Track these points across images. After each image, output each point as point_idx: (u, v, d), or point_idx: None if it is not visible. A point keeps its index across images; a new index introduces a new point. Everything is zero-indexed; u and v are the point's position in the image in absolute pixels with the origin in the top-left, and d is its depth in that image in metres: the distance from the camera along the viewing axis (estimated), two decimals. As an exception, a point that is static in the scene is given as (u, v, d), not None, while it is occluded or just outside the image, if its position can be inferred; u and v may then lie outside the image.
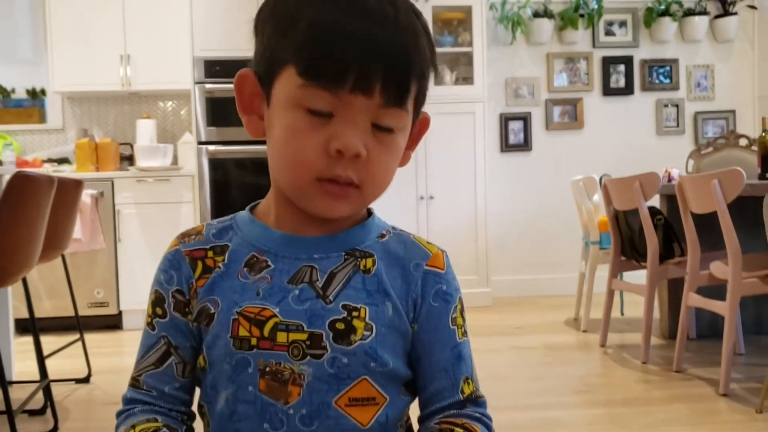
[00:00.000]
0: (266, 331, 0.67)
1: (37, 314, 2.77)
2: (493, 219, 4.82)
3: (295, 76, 0.65)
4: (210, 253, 0.72)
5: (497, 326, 4.11)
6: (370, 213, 0.76)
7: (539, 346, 3.59)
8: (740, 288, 2.63)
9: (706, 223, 3.16)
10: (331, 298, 0.69)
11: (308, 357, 0.67)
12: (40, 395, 2.78)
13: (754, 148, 3.92)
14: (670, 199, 3.47)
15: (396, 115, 0.67)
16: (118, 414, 0.74)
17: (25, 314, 3.49)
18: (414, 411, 0.74)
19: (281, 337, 0.67)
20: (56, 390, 2.85)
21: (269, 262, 0.70)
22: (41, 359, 2.68)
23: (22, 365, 3.33)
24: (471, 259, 4.70)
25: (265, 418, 0.67)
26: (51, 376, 2.72)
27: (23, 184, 2.12)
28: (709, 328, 3.58)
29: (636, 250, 3.40)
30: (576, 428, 2.39)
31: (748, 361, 3.15)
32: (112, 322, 4.40)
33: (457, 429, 0.69)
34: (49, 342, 2.91)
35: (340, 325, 0.67)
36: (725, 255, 2.73)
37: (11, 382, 2.94)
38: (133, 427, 0.70)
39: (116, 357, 3.70)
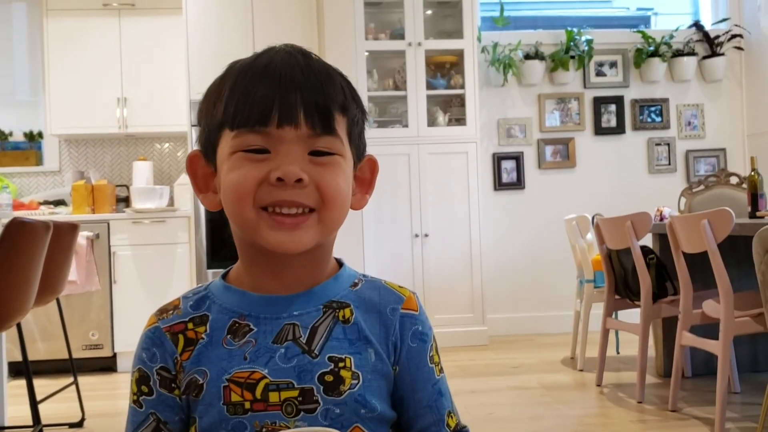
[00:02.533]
0: (258, 393, 0.69)
1: (31, 357, 2.76)
2: (487, 257, 4.84)
3: (229, 134, 0.71)
4: (190, 325, 0.74)
5: (494, 365, 4.09)
6: (341, 264, 0.79)
7: (537, 386, 3.57)
8: (732, 327, 2.64)
9: (699, 262, 3.18)
10: (316, 351, 0.71)
11: (302, 413, 0.69)
12: (32, 441, 2.75)
13: (745, 186, 3.96)
14: (662, 237, 3.50)
15: (329, 141, 0.72)
16: None
17: (18, 357, 3.48)
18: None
19: (273, 396, 0.69)
20: (49, 435, 2.82)
21: (251, 326, 0.72)
22: (34, 404, 2.67)
23: (15, 410, 3.30)
24: (466, 297, 4.70)
25: None
26: (44, 420, 2.70)
27: (19, 230, 2.14)
28: (705, 366, 3.58)
29: (629, 288, 3.41)
30: (572, 470, 2.38)
31: (743, 400, 3.14)
32: (107, 365, 4.38)
33: None
34: (42, 385, 2.89)
35: (329, 378, 0.70)
36: (718, 293, 2.75)
37: (3, 428, 2.91)
38: None
39: (110, 400, 3.68)
